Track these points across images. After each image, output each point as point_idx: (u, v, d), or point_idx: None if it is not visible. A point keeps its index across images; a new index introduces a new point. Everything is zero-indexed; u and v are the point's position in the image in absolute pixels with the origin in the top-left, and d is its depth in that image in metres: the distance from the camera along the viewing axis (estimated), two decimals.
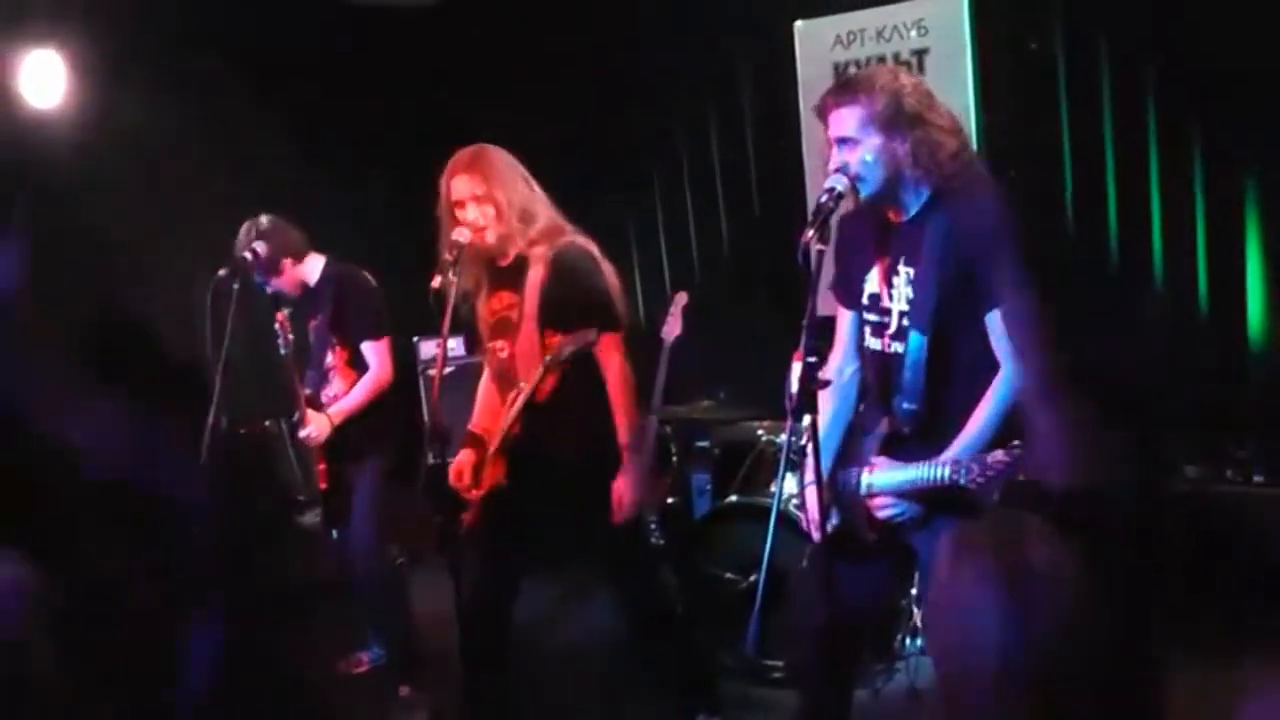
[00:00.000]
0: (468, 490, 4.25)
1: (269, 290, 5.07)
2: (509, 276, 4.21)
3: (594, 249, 4.20)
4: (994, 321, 3.19)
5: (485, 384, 4.46)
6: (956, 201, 3.20)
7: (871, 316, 3.41)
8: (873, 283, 3.39)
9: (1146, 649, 1.69)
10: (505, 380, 4.28)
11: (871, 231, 3.36)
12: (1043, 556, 1.67)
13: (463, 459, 4.30)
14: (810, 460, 3.14)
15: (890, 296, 3.34)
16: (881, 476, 3.32)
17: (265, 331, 4.93)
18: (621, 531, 4.22)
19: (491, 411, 4.38)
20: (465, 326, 4.47)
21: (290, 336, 4.88)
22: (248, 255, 4.86)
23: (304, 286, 5.12)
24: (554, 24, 6.98)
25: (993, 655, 1.62)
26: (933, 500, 3.23)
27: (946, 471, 3.09)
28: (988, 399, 3.20)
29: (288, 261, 5.04)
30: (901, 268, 3.31)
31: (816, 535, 3.31)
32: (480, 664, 4.27)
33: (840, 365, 3.55)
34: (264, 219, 5.01)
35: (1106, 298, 5.67)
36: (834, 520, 3.41)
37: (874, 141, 3.17)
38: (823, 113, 3.27)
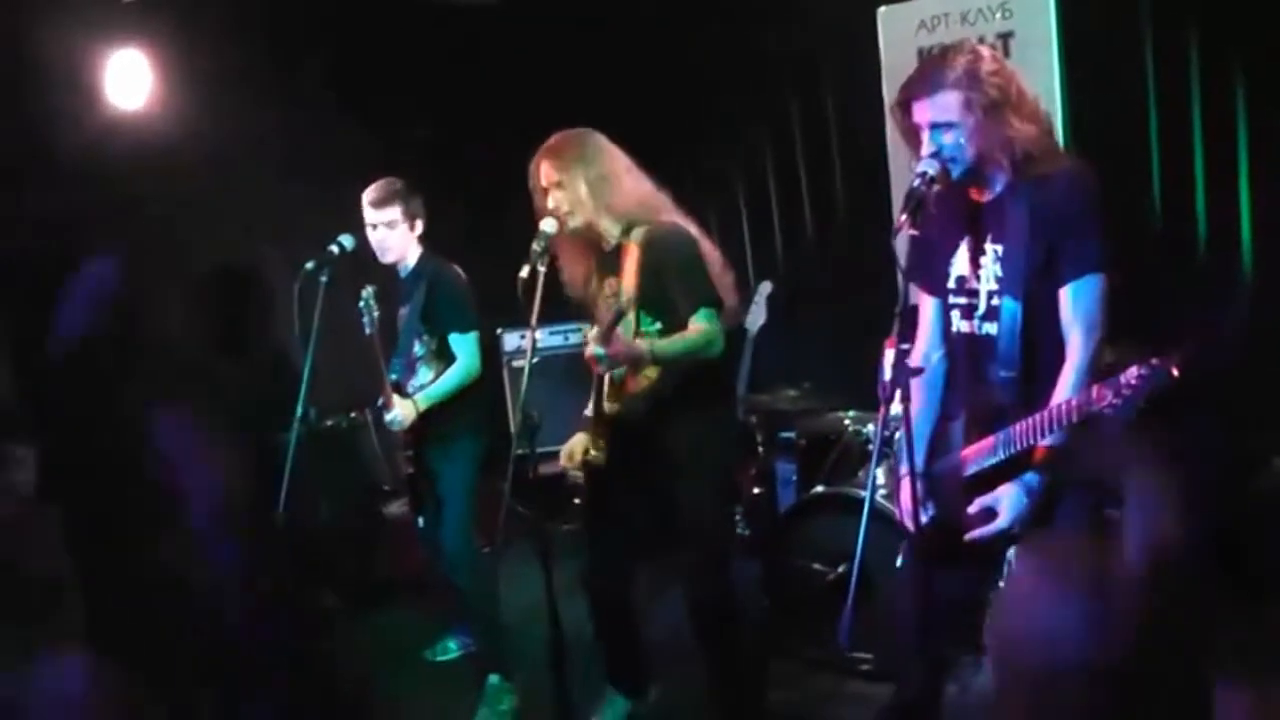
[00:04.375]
0: (573, 464, 4.36)
1: (374, 237, 5.11)
2: (612, 261, 4.24)
3: (691, 229, 4.22)
4: (1066, 296, 3.20)
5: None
6: (1040, 178, 3.20)
7: (959, 299, 3.40)
8: (959, 265, 3.38)
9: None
10: None
11: (954, 214, 3.33)
12: (1123, 575, 1.62)
13: (575, 440, 4.38)
14: (905, 450, 3.13)
15: (978, 277, 3.34)
16: (986, 458, 3.28)
17: (352, 324, 4.97)
18: (705, 516, 4.26)
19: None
20: (585, 313, 4.51)
21: (376, 314, 4.93)
22: (334, 250, 4.91)
23: (397, 271, 5.18)
24: (634, 13, 6.97)
25: (1064, 674, 1.57)
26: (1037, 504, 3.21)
27: (1073, 412, 3.01)
28: (1067, 370, 3.18)
29: (417, 217, 5.13)
30: (989, 246, 3.31)
31: (911, 526, 3.31)
32: (610, 627, 4.57)
33: (926, 352, 3.52)
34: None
35: (1194, 284, 5.58)
36: (929, 514, 3.39)
37: (967, 123, 3.16)
38: (910, 100, 3.25)
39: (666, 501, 4.25)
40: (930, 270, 3.43)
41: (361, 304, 4.91)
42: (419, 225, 5.14)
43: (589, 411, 4.40)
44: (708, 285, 4.13)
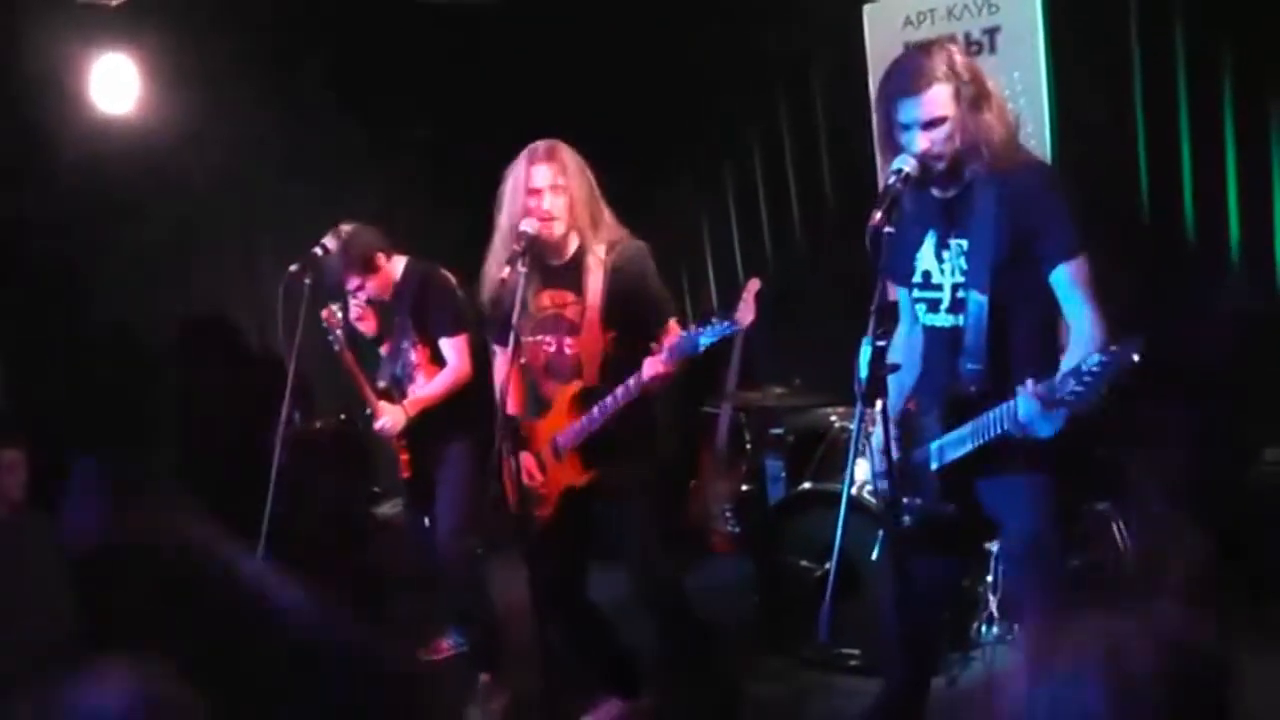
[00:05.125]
0: (542, 488, 4.34)
1: (362, 297, 5.15)
2: (564, 274, 4.26)
3: (647, 248, 4.29)
4: (1061, 277, 3.21)
5: (510, 376, 4.42)
6: (1005, 172, 3.22)
7: (925, 294, 3.43)
8: (924, 259, 3.40)
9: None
10: (553, 375, 4.35)
11: (917, 209, 3.34)
12: (1139, 642, 1.49)
13: (527, 460, 4.36)
14: (881, 436, 3.15)
15: (942, 271, 3.36)
16: (952, 436, 3.29)
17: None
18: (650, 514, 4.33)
19: (520, 403, 4.51)
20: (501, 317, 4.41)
21: (340, 332, 4.96)
22: (318, 251, 4.91)
23: (392, 288, 5.19)
24: (625, 14, 6.97)
25: None
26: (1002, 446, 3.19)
27: (1031, 395, 2.98)
28: (1081, 338, 3.16)
29: (380, 259, 5.13)
30: (952, 240, 3.33)
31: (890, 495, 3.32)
32: (580, 642, 4.59)
33: (904, 333, 3.55)
34: (346, 226, 5.09)
35: (1182, 278, 5.58)
36: (908, 511, 3.39)
37: (954, 117, 3.18)
38: (899, 98, 3.23)
39: (615, 505, 4.30)
40: (897, 263, 3.42)
41: (323, 323, 4.95)
42: (382, 257, 5.14)
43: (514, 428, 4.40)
44: (669, 298, 4.33)
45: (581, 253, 4.22)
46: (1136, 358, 2.78)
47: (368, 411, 5.09)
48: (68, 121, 5.86)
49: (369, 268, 5.09)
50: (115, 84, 6.10)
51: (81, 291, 5.96)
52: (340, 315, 5.01)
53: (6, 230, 5.58)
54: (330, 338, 4.97)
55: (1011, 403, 3.07)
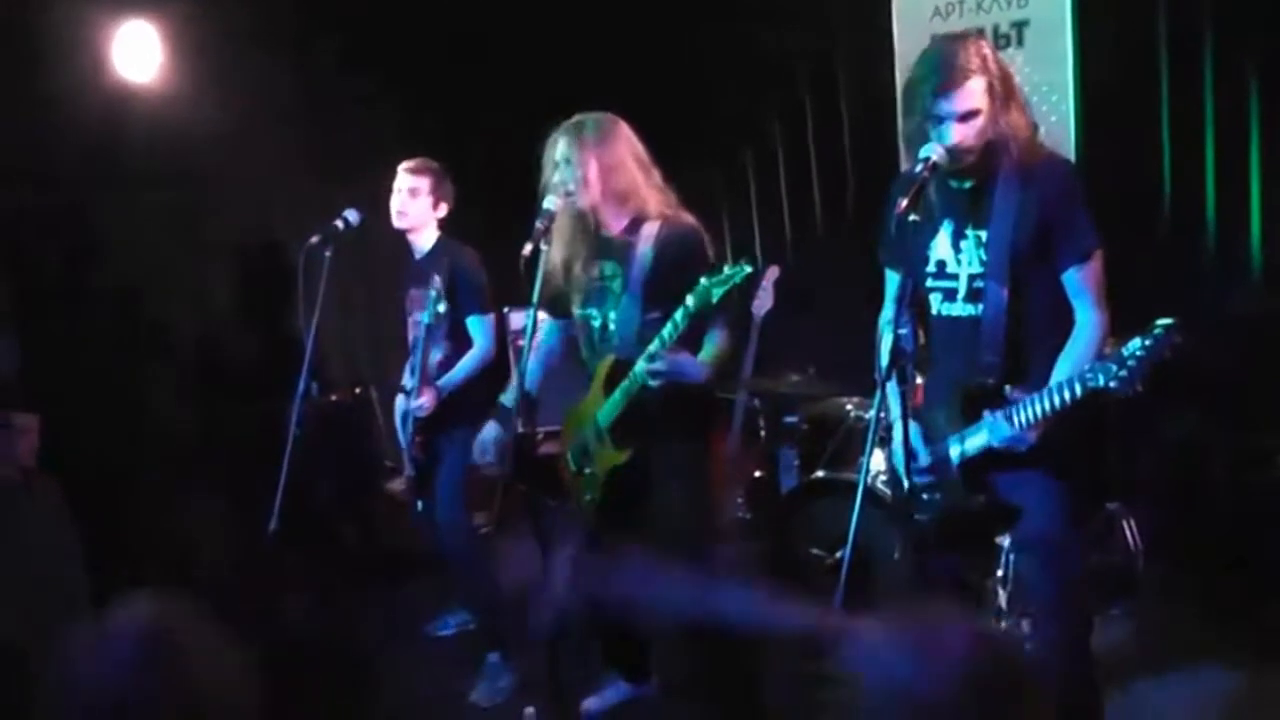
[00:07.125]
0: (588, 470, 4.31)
1: (397, 201, 5.13)
2: (615, 247, 4.18)
3: (701, 229, 4.17)
4: (1073, 277, 3.26)
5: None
6: (1029, 167, 3.26)
7: (940, 283, 3.42)
8: (939, 249, 3.40)
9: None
10: (595, 351, 4.28)
11: (935, 198, 3.34)
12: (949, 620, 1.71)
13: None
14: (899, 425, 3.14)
15: (959, 261, 3.36)
16: (975, 429, 3.27)
17: (355, 299, 4.97)
18: (693, 511, 4.23)
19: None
20: (555, 293, 4.38)
21: (417, 316, 4.94)
22: (339, 224, 4.89)
23: (418, 250, 5.19)
24: (646, 1, 6.96)
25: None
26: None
27: (1077, 387, 3.00)
28: (1075, 342, 3.22)
29: (440, 199, 5.15)
30: (970, 231, 3.34)
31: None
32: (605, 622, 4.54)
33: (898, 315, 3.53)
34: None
35: (1201, 278, 5.57)
36: (927, 507, 3.37)
37: (987, 109, 3.20)
38: (938, 91, 3.20)
39: (664, 494, 4.20)
40: (905, 247, 3.37)
41: (407, 304, 4.98)
42: (443, 208, 5.15)
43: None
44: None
45: (633, 228, 4.13)
46: (1179, 339, 2.82)
47: (404, 385, 5.05)
48: (87, 88, 5.85)
49: (430, 182, 5.12)
50: (136, 52, 6.09)
51: (96, 260, 5.96)
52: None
53: (24, 199, 5.58)
54: (411, 319, 4.94)
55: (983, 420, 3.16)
